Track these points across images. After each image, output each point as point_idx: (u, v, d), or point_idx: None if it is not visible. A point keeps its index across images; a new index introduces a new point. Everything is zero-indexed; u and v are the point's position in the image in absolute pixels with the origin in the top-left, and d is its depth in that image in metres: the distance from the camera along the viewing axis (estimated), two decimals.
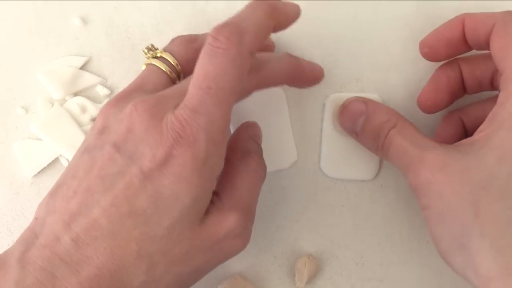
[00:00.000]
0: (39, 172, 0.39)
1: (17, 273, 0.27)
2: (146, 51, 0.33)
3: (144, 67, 0.33)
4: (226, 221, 0.30)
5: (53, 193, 0.29)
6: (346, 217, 0.39)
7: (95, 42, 0.39)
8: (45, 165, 0.39)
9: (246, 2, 0.38)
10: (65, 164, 0.39)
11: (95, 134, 0.30)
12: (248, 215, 0.31)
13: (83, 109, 0.39)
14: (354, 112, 0.35)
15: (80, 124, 0.39)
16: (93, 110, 0.39)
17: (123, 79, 0.39)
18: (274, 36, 0.39)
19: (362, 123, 0.35)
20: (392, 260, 0.39)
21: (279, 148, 0.39)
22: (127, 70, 0.39)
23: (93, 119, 0.39)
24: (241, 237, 0.31)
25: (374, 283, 0.39)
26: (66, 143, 0.38)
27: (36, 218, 0.29)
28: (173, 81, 0.33)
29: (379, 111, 0.34)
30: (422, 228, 0.39)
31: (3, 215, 0.39)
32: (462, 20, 0.33)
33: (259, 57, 0.32)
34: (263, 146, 0.35)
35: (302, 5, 0.38)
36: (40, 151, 0.39)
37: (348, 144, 0.38)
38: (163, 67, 0.32)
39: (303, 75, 0.35)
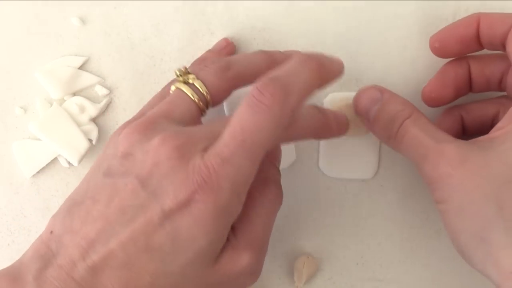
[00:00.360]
0: (38, 172, 0.39)
1: None
2: (178, 73, 0.32)
3: (173, 88, 0.32)
4: (240, 261, 0.30)
5: (70, 210, 0.29)
6: (346, 217, 0.39)
7: (94, 42, 0.39)
8: (44, 165, 0.39)
9: (245, 3, 0.38)
10: (64, 164, 0.39)
11: (118, 159, 0.29)
12: (262, 251, 0.31)
13: (82, 109, 0.39)
14: (369, 99, 0.35)
15: (79, 124, 0.39)
16: (92, 110, 0.39)
17: (122, 79, 0.39)
18: (273, 37, 0.39)
19: (376, 110, 0.34)
20: (392, 260, 0.39)
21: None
22: (126, 70, 0.39)
23: (92, 119, 0.39)
24: (254, 274, 0.31)
25: (374, 283, 0.39)
26: (65, 143, 0.38)
27: (51, 232, 0.29)
28: (201, 111, 0.32)
29: (395, 100, 0.34)
30: (422, 228, 0.39)
31: (3, 215, 0.39)
32: (477, 18, 0.33)
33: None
34: None
35: (302, 5, 0.38)
36: (39, 151, 0.39)
37: (346, 144, 0.38)
38: (194, 97, 0.31)
39: (330, 132, 0.34)
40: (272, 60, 0.33)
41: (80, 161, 0.38)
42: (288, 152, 0.39)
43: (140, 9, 0.39)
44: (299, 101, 0.29)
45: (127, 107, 0.39)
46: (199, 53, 0.38)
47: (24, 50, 0.39)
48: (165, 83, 0.36)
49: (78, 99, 0.39)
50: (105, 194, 0.28)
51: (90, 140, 0.39)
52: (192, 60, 0.38)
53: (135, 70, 0.39)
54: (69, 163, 0.39)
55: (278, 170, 0.34)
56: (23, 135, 0.39)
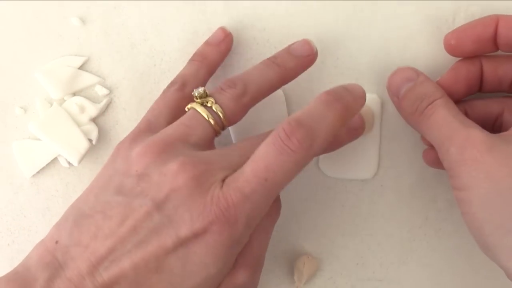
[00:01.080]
0: (38, 172, 0.39)
1: None
2: (197, 95, 0.32)
3: (190, 107, 0.33)
4: (235, 279, 0.30)
5: (78, 221, 0.29)
6: (346, 217, 0.39)
7: (94, 42, 0.39)
8: (44, 165, 0.39)
9: (245, 3, 0.38)
10: (64, 164, 0.39)
11: (133, 178, 0.30)
12: (257, 268, 0.32)
13: (82, 109, 0.39)
14: (405, 77, 0.35)
15: (79, 124, 0.39)
16: (92, 110, 0.39)
17: (122, 79, 0.39)
18: (273, 37, 0.38)
19: (408, 87, 0.35)
20: (392, 260, 0.39)
21: None
22: (126, 70, 0.39)
23: (92, 119, 0.39)
24: None
25: (374, 283, 0.39)
26: (65, 143, 0.38)
27: (57, 242, 0.29)
28: (215, 134, 0.32)
29: (428, 82, 0.35)
30: (422, 228, 0.39)
31: (3, 215, 0.39)
32: (496, 20, 0.34)
33: None
34: None
35: (302, 5, 0.38)
36: (39, 151, 0.39)
37: (346, 144, 0.38)
38: (211, 120, 0.32)
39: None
40: (284, 72, 0.34)
41: (80, 161, 0.38)
42: None
43: (140, 9, 0.39)
44: (323, 145, 0.30)
45: (127, 107, 0.39)
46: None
47: (24, 50, 0.39)
48: (165, 83, 0.36)
49: (78, 99, 0.39)
50: (118, 212, 0.29)
51: (90, 140, 0.39)
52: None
53: (135, 70, 0.39)
54: (69, 163, 0.39)
55: None
56: (23, 135, 0.39)
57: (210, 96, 0.32)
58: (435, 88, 0.34)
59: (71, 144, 0.38)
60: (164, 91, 0.35)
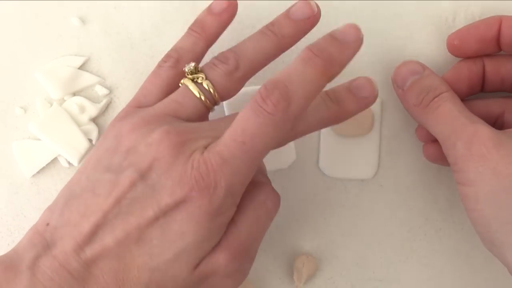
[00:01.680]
0: (38, 172, 0.39)
1: (27, 280, 0.27)
2: (188, 71, 0.32)
3: (182, 82, 0.32)
4: (214, 260, 0.29)
5: (68, 202, 0.29)
6: (346, 217, 0.39)
7: (94, 42, 0.39)
8: (44, 164, 0.39)
9: (245, 3, 0.38)
10: (64, 164, 0.39)
11: (122, 153, 0.30)
12: (242, 256, 0.30)
13: (82, 109, 0.39)
14: (411, 70, 0.35)
15: (79, 124, 0.39)
16: (92, 110, 0.39)
17: (122, 79, 0.39)
18: None
19: (413, 80, 0.35)
20: (392, 260, 0.39)
21: (278, 148, 0.38)
22: (126, 70, 0.39)
23: (92, 119, 0.39)
24: (232, 278, 0.30)
25: (374, 283, 0.39)
26: (65, 143, 0.38)
27: (48, 224, 0.29)
28: (208, 110, 0.32)
29: (434, 76, 0.35)
30: (422, 228, 0.39)
31: (3, 215, 0.39)
32: (499, 20, 0.34)
33: None
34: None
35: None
36: (39, 151, 0.39)
37: (346, 143, 0.38)
38: (202, 96, 0.32)
39: (346, 115, 0.34)
40: (281, 40, 0.33)
41: (80, 161, 0.38)
42: (288, 152, 0.39)
43: (140, 9, 0.39)
44: (303, 106, 0.29)
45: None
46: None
47: (24, 50, 0.39)
48: None
49: (78, 99, 0.39)
50: (105, 188, 0.29)
51: (90, 140, 0.39)
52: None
53: (135, 70, 0.39)
54: (69, 163, 0.39)
55: (267, 177, 0.33)
56: (23, 135, 0.39)
57: (201, 71, 0.32)
58: (441, 82, 0.34)
59: (71, 144, 0.38)
60: (158, 67, 0.34)
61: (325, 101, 0.33)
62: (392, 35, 0.38)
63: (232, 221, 0.30)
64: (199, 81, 0.32)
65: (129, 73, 0.39)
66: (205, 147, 0.29)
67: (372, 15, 0.38)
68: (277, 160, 0.38)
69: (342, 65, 0.30)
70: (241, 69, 0.32)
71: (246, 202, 0.31)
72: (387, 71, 0.39)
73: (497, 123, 0.36)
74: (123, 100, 0.39)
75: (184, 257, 0.28)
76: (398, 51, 0.38)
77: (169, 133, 0.29)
